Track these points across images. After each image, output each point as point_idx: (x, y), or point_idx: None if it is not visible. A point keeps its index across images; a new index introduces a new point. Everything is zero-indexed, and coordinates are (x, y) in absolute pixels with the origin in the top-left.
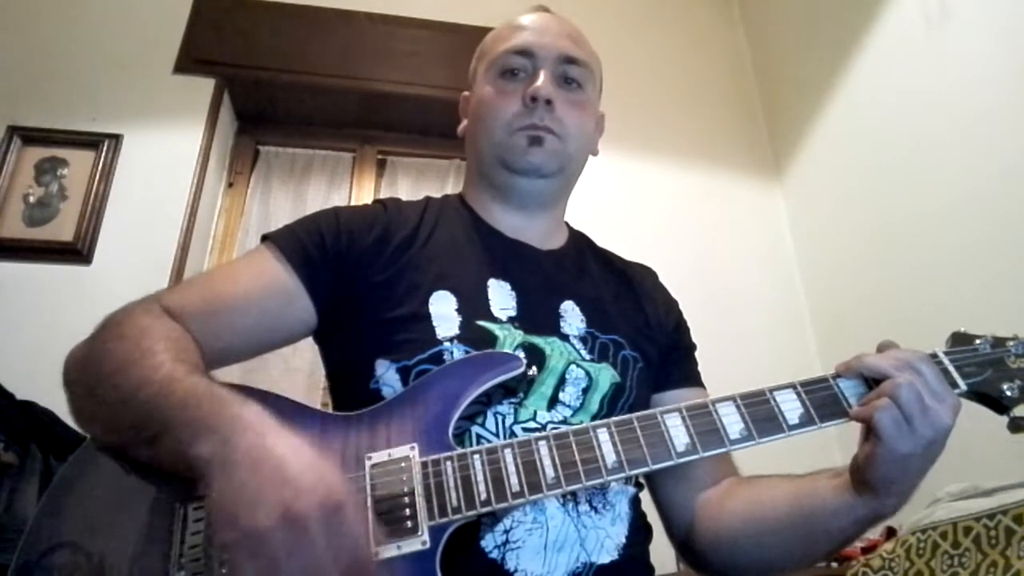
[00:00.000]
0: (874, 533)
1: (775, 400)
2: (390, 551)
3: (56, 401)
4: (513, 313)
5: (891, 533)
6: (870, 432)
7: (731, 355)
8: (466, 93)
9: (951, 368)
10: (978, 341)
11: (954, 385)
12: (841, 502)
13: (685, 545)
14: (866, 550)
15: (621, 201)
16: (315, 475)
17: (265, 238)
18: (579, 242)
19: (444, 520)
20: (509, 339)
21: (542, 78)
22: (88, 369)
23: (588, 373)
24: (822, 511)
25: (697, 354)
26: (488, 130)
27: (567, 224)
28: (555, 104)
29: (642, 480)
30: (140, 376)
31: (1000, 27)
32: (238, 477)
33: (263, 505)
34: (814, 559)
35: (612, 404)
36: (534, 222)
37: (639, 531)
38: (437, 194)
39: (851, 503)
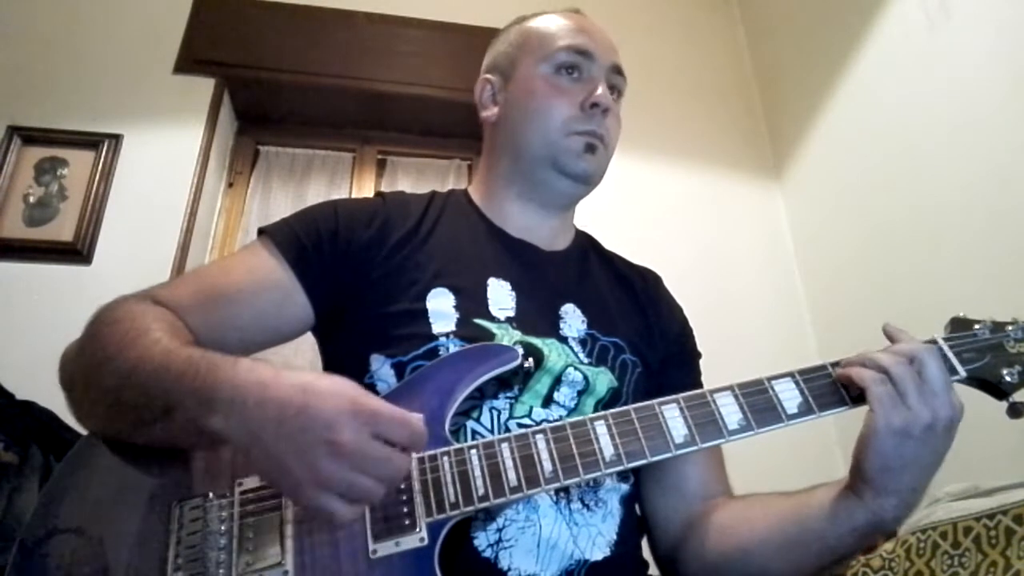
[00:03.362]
0: None
1: (773, 389)
2: (388, 548)
3: (56, 401)
4: (511, 313)
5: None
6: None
7: (731, 355)
8: (489, 76)
9: (950, 355)
10: (977, 326)
11: (953, 372)
12: (838, 507)
13: (669, 559)
14: (866, 550)
15: (620, 201)
16: (334, 398)
17: (262, 232)
18: (584, 243)
19: (442, 516)
20: (506, 339)
21: (602, 87)
22: (84, 360)
23: (586, 376)
24: (818, 519)
25: (700, 361)
26: (540, 127)
27: (574, 225)
28: (608, 114)
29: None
30: (138, 354)
31: (1000, 27)
32: (270, 440)
33: (312, 452)
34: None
35: (606, 410)
36: (547, 222)
37: (631, 527)
38: None
39: (849, 507)
